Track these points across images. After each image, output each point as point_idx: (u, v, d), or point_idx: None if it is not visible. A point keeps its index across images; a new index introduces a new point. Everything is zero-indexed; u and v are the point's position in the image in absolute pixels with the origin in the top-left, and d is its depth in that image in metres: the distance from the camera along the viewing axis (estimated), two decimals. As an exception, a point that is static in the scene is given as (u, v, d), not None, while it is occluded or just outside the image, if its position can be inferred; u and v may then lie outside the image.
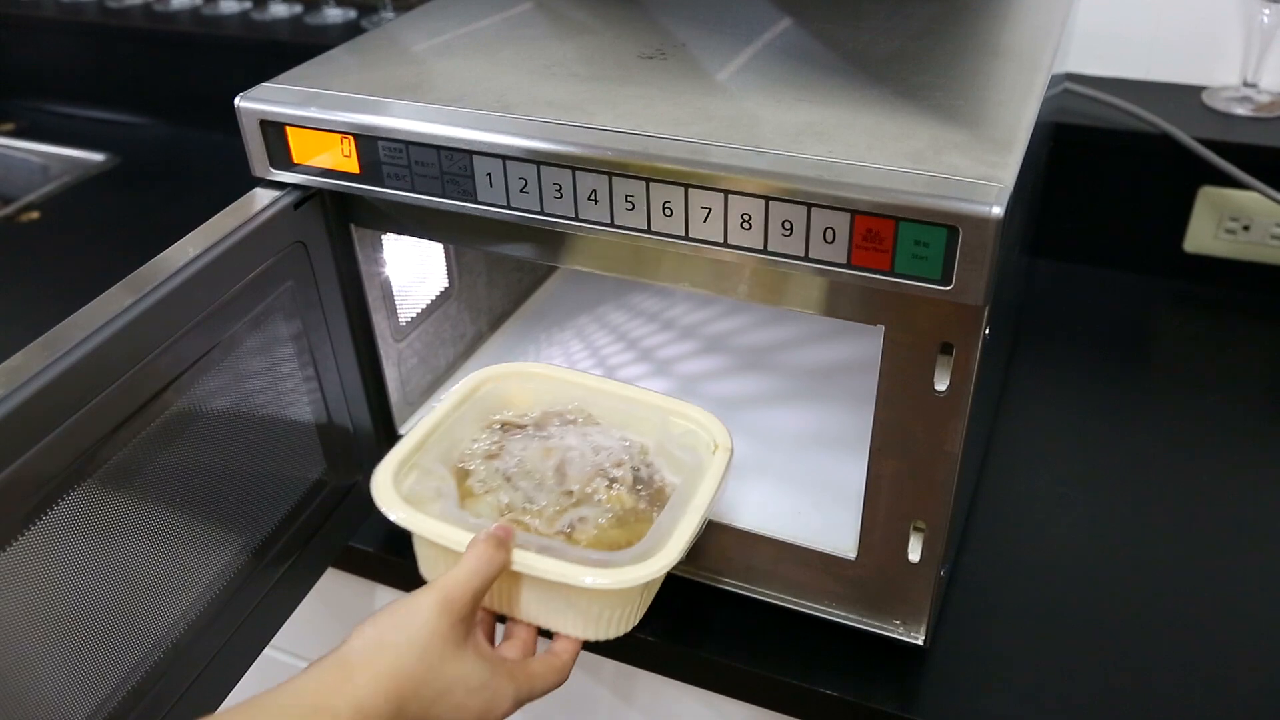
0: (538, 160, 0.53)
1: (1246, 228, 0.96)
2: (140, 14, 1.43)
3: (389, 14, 1.31)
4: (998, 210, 0.45)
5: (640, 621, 0.58)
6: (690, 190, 0.50)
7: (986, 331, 0.50)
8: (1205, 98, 1.00)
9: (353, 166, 0.59)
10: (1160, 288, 1.01)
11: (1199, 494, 0.76)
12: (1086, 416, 0.85)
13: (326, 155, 0.59)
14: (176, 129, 1.46)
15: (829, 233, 0.48)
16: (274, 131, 0.60)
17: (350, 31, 1.31)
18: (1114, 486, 0.78)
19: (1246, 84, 0.99)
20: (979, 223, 0.45)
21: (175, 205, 1.27)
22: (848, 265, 0.49)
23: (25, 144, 1.44)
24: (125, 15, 1.43)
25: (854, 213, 0.47)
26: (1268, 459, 0.79)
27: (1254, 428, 0.83)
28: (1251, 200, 0.94)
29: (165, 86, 1.45)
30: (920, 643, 0.62)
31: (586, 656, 0.74)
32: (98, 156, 1.38)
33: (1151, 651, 0.65)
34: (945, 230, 0.46)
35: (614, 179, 0.52)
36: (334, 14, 1.34)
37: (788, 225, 0.49)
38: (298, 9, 1.37)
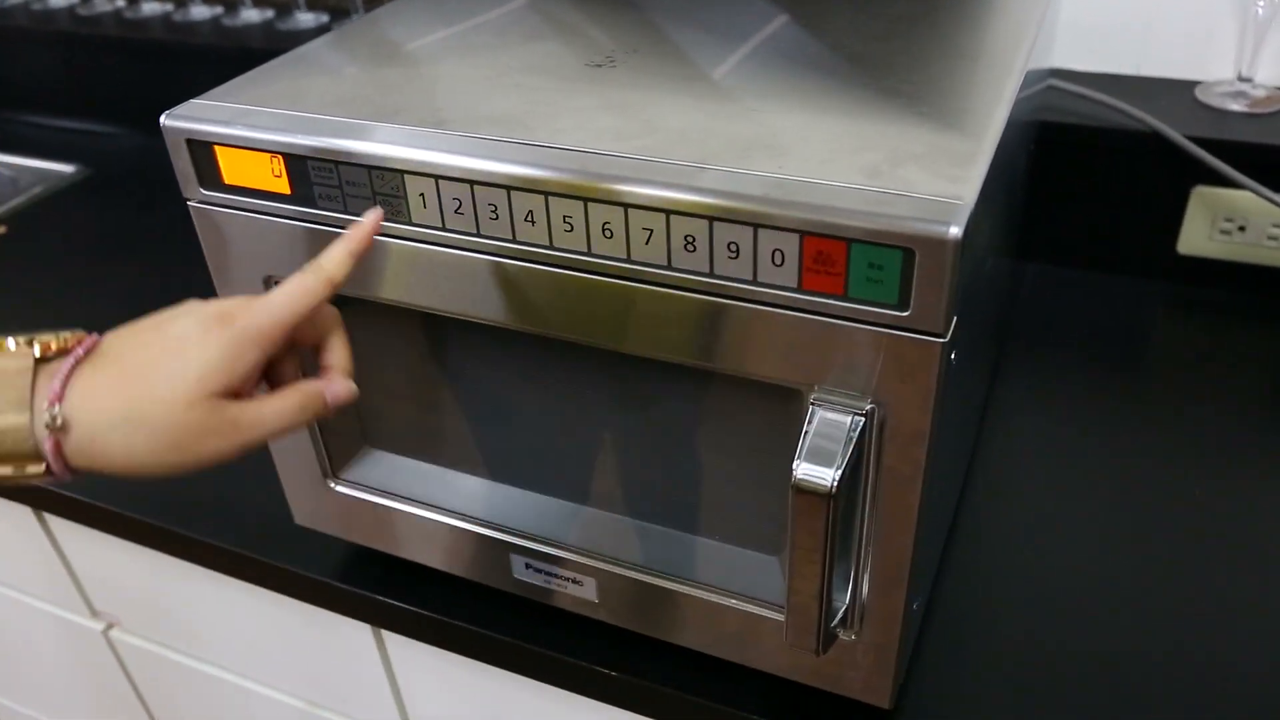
0: (471, 180, 0.50)
1: (1242, 228, 0.92)
2: (111, 21, 1.40)
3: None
4: (956, 230, 0.42)
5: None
6: (630, 210, 0.47)
7: (952, 357, 0.47)
8: (1198, 93, 0.96)
9: (283, 187, 0.55)
10: (1153, 291, 0.97)
11: (1196, 510, 0.73)
12: (1076, 429, 0.82)
13: (256, 175, 0.56)
14: (148, 138, 1.44)
15: (777, 255, 0.45)
16: (202, 151, 0.57)
17: (321, 36, 1.28)
18: (1104, 504, 0.74)
19: (1241, 78, 0.95)
20: (936, 244, 0.42)
21: (147, 216, 1.24)
22: (798, 290, 0.46)
23: (-5, 156, 1.42)
24: (96, 23, 1.40)
25: (803, 234, 0.44)
26: (1269, 470, 0.76)
27: (1253, 437, 0.79)
28: (1247, 200, 0.90)
29: (137, 95, 1.42)
30: (885, 707, 0.58)
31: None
32: (68, 168, 1.36)
33: (1147, 691, 0.61)
34: (900, 252, 0.43)
35: (550, 199, 0.48)
36: (305, 19, 1.31)
37: (734, 247, 0.46)
38: (269, 14, 1.34)
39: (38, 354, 0.44)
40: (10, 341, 0.44)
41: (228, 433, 0.45)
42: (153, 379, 0.44)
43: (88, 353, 0.44)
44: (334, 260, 0.49)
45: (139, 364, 0.44)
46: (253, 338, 0.46)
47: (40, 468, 0.44)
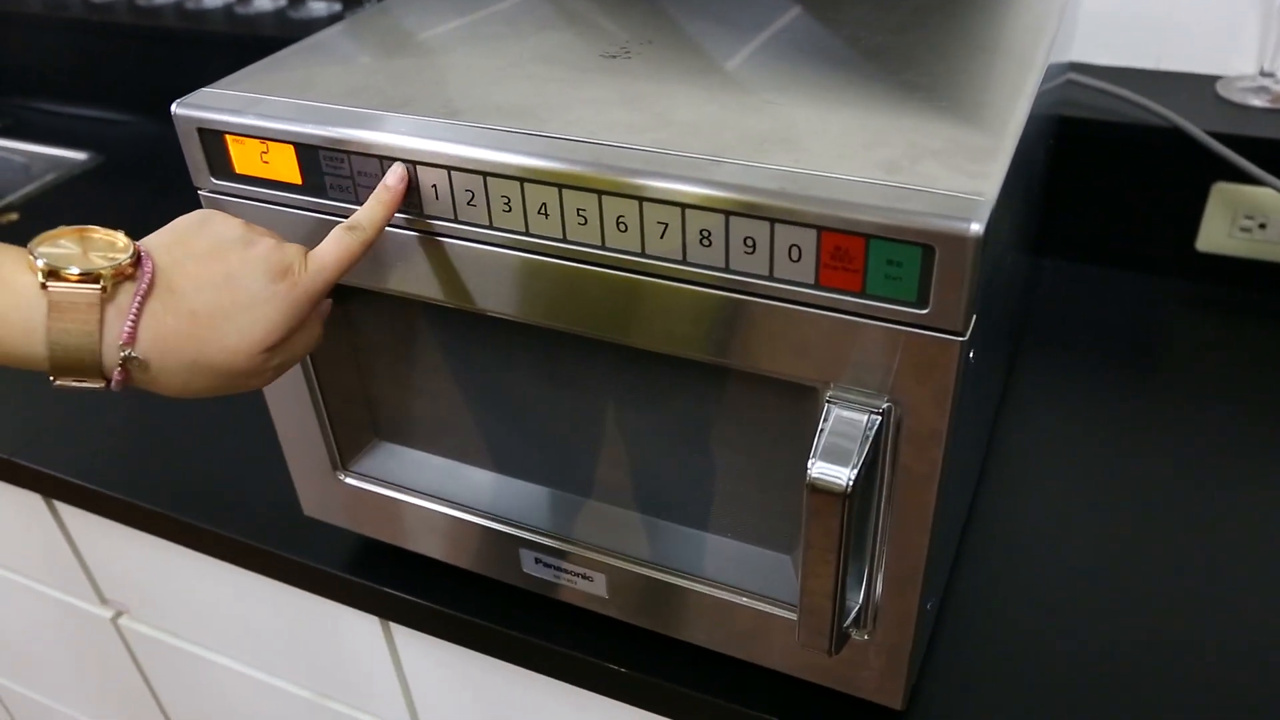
0: (484, 172, 0.49)
1: (1263, 226, 0.91)
2: (124, 9, 1.40)
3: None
4: (977, 227, 0.41)
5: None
6: (645, 204, 0.46)
7: (970, 355, 0.46)
8: (1219, 88, 0.95)
9: (294, 177, 0.55)
10: (1171, 289, 0.96)
11: (1212, 511, 0.72)
12: (1091, 427, 0.81)
13: (268, 165, 0.55)
14: (161, 126, 1.43)
15: (794, 250, 0.44)
16: (213, 140, 0.56)
17: (334, 25, 1.28)
18: (1118, 503, 0.73)
19: (1263, 73, 0.94)
20: (957, 241, 0.41)
21: (160, 204, 1.24)
22: (815, 286, 0.45)
23: (7, 143, 1.42)
24: (109, 10, 1.40)
25: (820, 229, 0.43)
26: (1284, 474, 0.75)
27: (1271, 438, 0.78)
28: (1267, 197, 0.89)
29: (149, 83, 1.42)
30: (898, 708, 0.58)
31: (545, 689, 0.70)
32: (80, 155, 1.36)
33: (1160, 691, 0.61)
34: (920, 249, 0.42)
35: (564, 192, 0.48)
36: (318, 7, 1.30)
37: (750, 242, 0.45)
38: (281, 2, 1.34)
39: (102, 287, 0.44)
40: (71, 268, 0.44)
41: (270, 374, 0.50)
42: (223, 329, 0.46)
43: (150, 285, 0.45)
44: (374, 222, 0.51)
45: (208, 311, 0.46)
46: (310, 299, 0.49)
47: (101, 384, 0.46)
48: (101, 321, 0.44)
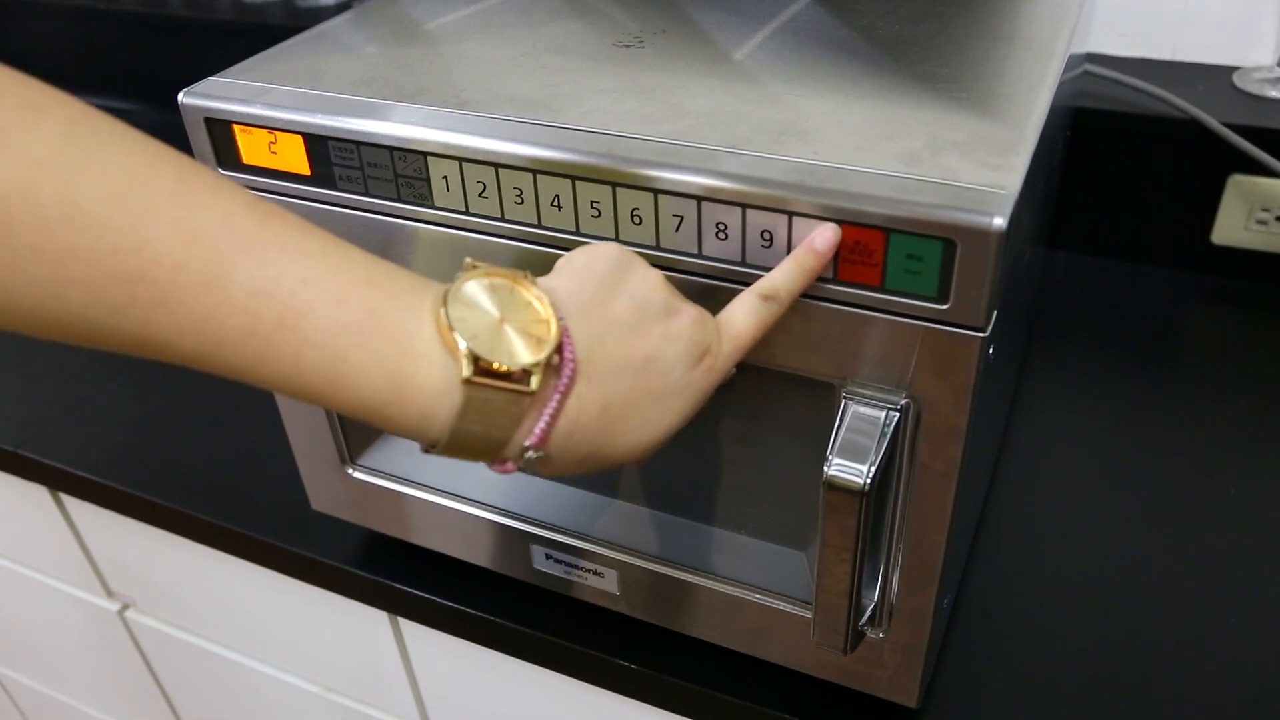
0: (496, 163, 0.48)
1: (1279, 218, 0.90)
2: (130, -3, 1.39)
3: (380, -4, 1.26)
4: (1000, 221, 0.40)
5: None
6: (659, 196, 0.45)
7: (990, 351, 0.45)
8: (1236, 79, 0.94)
9: (303, 168, 0.54)
10: (1186, 282, 0.95)
11: (1227, 507, 0.71)
12: (1105, 421, 0.80)
13: (276, 156, 0.55)
14: (166, 115, 1.42)
15: (812, 244, 0.44)
16: (220, 130, 0.55)
17: (341, 14, 1.27)
18: (1133, 499, 0.72)
19: (1281, 64, 0.93)
20: (979, 235, 0.41)
21: (165, 195, 1.23)
22: (834, 280, 0.44)
23: (13, 133, 1.41)
24: (115, -1, 1.39)
25: (839, 223, 0.43)
26: (1301, 470, 0.74)
27: (1286, 435, 0.77)
28: (1285, 189, 0.88)
29: (155, 72, 1.41)
30: (913, 705, 0.57)
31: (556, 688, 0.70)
32: (85, 145, 1.35)
33: (1176, 689, 0.60)
34: (941, 243, 0.41)
35: (578, 183, 0.47)
36: (325, -4, 1.29)
37: (767, 236, 0.44)
38: (288, -9, 1.33)
39: (534, 387, 0.38)
40: (495, 359, 0.37)
41: (640, 460, 0.43)
42: (628, 423, 0.41)
43: (571, 380, 0.39)
44: (792, 292, 0.44)
45: (619, 403, 0.40)
46: (719, 383, 0.44)
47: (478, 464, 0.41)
48: (518, 422, 0.39)
